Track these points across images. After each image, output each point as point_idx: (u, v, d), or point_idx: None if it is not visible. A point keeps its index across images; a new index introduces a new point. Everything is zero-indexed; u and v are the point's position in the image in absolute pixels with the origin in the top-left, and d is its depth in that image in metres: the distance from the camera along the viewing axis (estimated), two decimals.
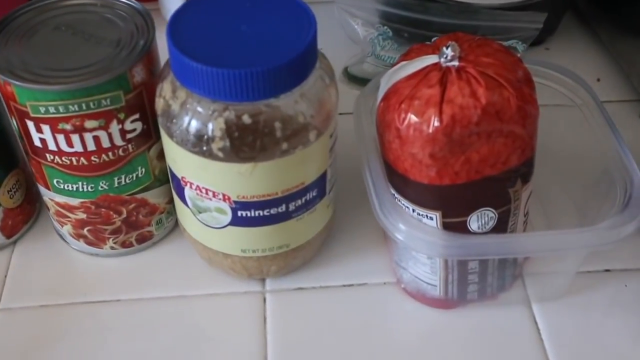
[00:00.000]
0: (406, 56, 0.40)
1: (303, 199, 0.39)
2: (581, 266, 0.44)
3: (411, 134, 0.37)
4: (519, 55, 0.56)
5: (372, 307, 0.44)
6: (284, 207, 0.39)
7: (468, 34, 0.40)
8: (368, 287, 0.45)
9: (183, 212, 0.42)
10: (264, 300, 0.44)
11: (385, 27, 0.58)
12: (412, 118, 0.36)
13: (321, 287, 0.45)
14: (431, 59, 0.38)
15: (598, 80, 0.60)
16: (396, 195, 0.40)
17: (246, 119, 0.35)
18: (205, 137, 0.36)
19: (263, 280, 0.45)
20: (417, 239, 0.37)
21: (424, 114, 0.36)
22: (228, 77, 0.34)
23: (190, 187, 0.39)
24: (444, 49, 0.37)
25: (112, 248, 0.45)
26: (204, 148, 0.36)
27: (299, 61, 0.35)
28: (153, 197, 0.44)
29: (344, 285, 0.45)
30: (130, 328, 0.43)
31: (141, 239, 0.45)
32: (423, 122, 0.36)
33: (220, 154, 0.36)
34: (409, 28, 0.58)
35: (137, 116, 0.39)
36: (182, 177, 0.39)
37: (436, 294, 0.43)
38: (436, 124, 0.36)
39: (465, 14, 0.57)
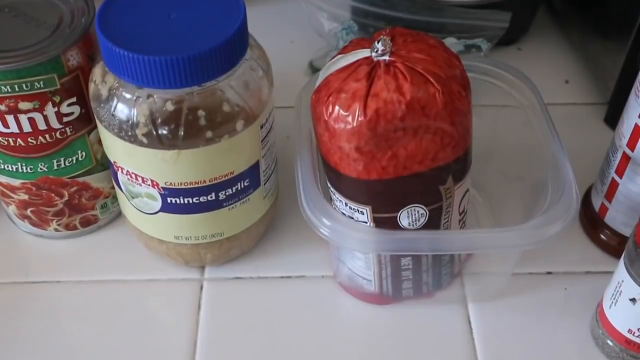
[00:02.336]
0: (344, 49, 0.40)
1: (233, 189, 0.40)
2: (517, 267, 0.44)
3: (338, 127, 0.37)
4: (482, 54, 0.57)
5: (308, 300, 0.44)
6: (213, 195, 0.39)
7: (407, 28, 0.40)
8: (306, 279, 0.45)
9: (121, 197, 0.42)
10: (201, 287, 0.44)
11: (351, 22, 0.58)
12: (339, 111, 0.36)
13: (259, 278, 0.45)
14: (364, 53, 0.38)
15: (566, 82, 0.59)
16: (331, 189, 0.40)
17: (169, 106, 0.35)
18: (130, 122, 0.36)
19: (203, 269, 0.45)
20: (341, 233, 0.37)
21: (350, 107, 0.36)
22: (150, 63, 0.34)
23: (122, 171, 0.39)
24: (376, 43, 0.37)
25: (56, 230, 0.45)
26: (129, 133, 0.36)
27: (224, 49, 0.35)
28: (96, 181, 0.44)
29: (282, 277, 0.45)
30: (67, 310, 0.43)
31: (85, 222, 0.46)
32: (348, 115, 0.36)
33: (145, 140, 0.36)
34: (377, 23, 0.58)
35: (74, 100, 0.40)
36: (114, 162, 0.39)
37: (372, 289, 0.43)
38: (360, 117, 0.36)
39: (431, 11, 0.56)
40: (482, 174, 0.49)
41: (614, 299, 0.38)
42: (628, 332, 0.38)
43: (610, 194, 0.44)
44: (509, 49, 0.62)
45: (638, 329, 0.37)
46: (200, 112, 0.36)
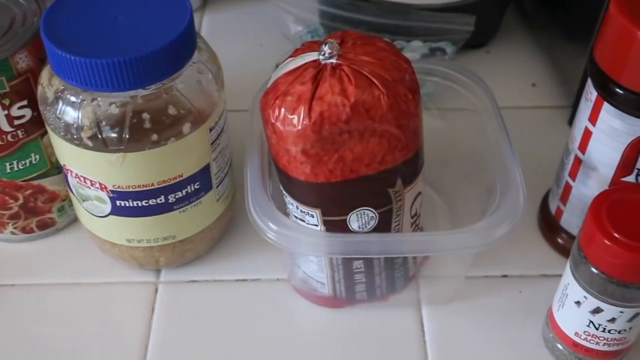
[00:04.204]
0: (294, 52, 0.40)
1: (183, 191, 0.40)
2: (473, 270, 0.44)
3: (284, 130, 0.37)
4: (446, 57, 0.57)
5: (263, 303, 0.44)
6: (162, 198, 0.39)
7: (357, 31, 0.40)
8: (261, 282, 0.45)
9: (74, 200, 0.42)
10: (156, 290, 0.44)
11: (318, 25, 0.58)
12: (284, 114, 0.36)
13: (214, 281, 0.45)
14: (312, 56, 0.38)
15: (533, 85, 0.59)
16: (283, 191, 0.40)
17: (114, 109, 0.35)
18: (75, 125, 0.36)
19: (158, 272, 0.45)
20: (287, 237, 0.37)
21: (295, 110, 0.36)
22: (93, 66, 0.34)
23: (71, 174, 0.39)
24: (323, 46, 0.37)
25: (12, 233, 0.45)
26: (75, 136, 0.36)
27: (168, 52, 0.35)
28: (52, 184, 0.44)
29: (238, 280, 0.45)
30: (22, 313, 0.43)
31: (42, 225, 0.46)
32: (294, 118, 0.36)
33: (90, 143, 0.36)
34: (344, 27, 0.58)
35: (24, 103, 0.40)
36: (64, 165, 0.39)
37: (325, 292, 0.43)
38: (305, 120, 0.36)
39: (397, 14, 0.56)
40: (442, 176, 0.49)
41: (561, 302, 0.38)
42: (575, 334, 0.38)
43: (564, 197, 0.44)
44: (478, 52, 0.62)
45: (584, 332, 0.37)
46: (145, 115, 0.36)
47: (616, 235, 0.33)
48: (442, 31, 0.56)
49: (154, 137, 0.36)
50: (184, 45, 0.36)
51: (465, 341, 0.42)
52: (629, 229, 0.34)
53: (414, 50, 0.56)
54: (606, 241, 0.33)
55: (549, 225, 0.46)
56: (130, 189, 0.38)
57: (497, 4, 0.60)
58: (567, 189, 0.43)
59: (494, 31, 0.62)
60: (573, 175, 0.42)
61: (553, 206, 0.45)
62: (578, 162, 0.41)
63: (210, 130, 0.39)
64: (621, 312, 0.35)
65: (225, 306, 0.44)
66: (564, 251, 0.45)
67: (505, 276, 0.45)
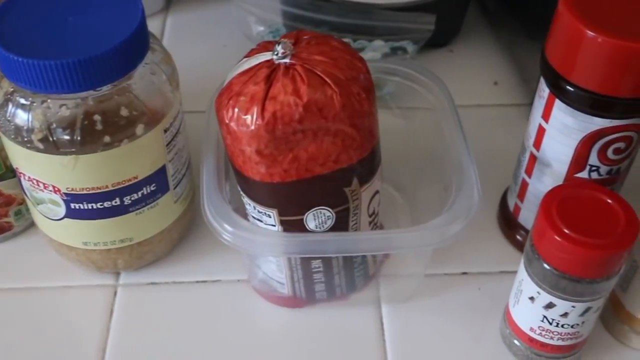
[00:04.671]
0: (249, 53, 0.40)
1: (139, 193, 0.39)
2: (433, 268, 0.45)
3: (238, 130, 0.37)
4: (408, 56, 0.57)
5: (223, 305, 0.44)
6: (118, 200, 0.39)
7: (312, 31, 0.40)
8: (221, 284, 0.45)
9: (30, 204, 0.42)
10: (115, 293, 0.44)
11: (280, 25, 0.58)
12: (238, 114, 0.36)
13: (174, 283, 0.45)
14: (266, 56, 0.38)
15: (495, 83, 0.60)
16: (241, 192, 0.40)
17: (64, 111, 0.35)
18: (26, 128, 0.36)
19: (118, 274, 0.45)
20: (242, 239, 0.37)
21: (248, 110, 0.36)
22: (42, 68, 0.34)
23: (24, 177, 0.39)
24: (276, 46, 0.37)
25: None
26: (26, 139, 0.36)
27: (118, 53, 0.35)
28: (7, 187, 0.44)
29: (198, 282, 0.45)
30: None
31: None
32: (247, 118, 0.36)
33: (41, 146, 0.36)
34: (306, 26, 0.58)
35: None
36: (17, 168, 0.39)
37: (285, 292, 0.43)
38: (258, 120, 0.36)
39: (359, 14, 0.57)
40: (403, 175, 0.49)
41: (516, 298, 0.38)
42: (530, 330, 0.38)
43: (522, 194, 0.44)
44: (441, 51, 0.63)
45: (539, 327, 0.38)
46: (97, 117, 0.35)
47: (566, 231, 0.34)
48: (404, 30, 0.56)
49: (107, 138, 0.36)
50: (135, 46, 0.36)
51: (425, 339, 0.42)
52: (580, 225, 0.34)
53: (375, 49, 0.56)
54: (557, 237, 0.34)
55: (507, 222, 0.46)
56: (84, 192, 0.38)
57: (457, 3, 0.60)
58: (524, 185, 0.43)
59: (456, 30, 0.63)
60: (529, 172, 0.43)
61: (511, 203, 0.46)
62: (533, 159, 0.42)
63: (165, 131, 0.39)
64: (573, 306, 0.36)
65: (185, 308, 0.43)
66: (523, 248, 0.45)
67: (464, 273, 0.45)
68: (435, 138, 0.45)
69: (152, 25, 0.66)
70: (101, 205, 0.39)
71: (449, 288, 0.45)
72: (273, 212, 0.39)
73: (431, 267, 0.45)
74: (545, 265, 0.35)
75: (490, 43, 0.63)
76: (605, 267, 0.34)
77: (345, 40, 0.58)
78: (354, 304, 0.44)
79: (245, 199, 0.40)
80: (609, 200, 0.35)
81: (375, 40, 0.57)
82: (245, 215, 0.41)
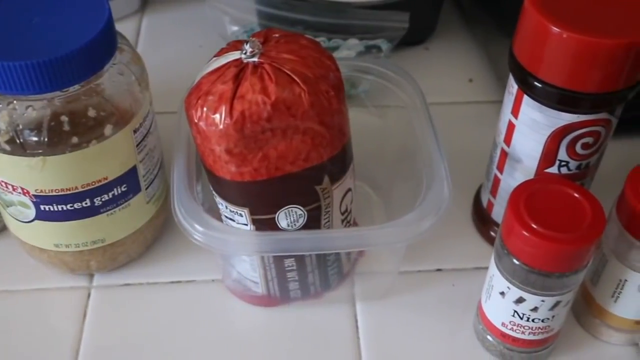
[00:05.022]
0: (219, 52, 0.40)
1: (110, 194, 0.39)
2: (407, 265, 0.45)
3: (207, 129, 0.36)
4: (382, 54, 0.57)
5: (197, 305, 0.44)
6: (88, 201, 0.39)
7: (287, 30, 0.40)
8: (196, 284, 0.45)
9: (0, 207, 0.42)
10: (89, 295, 0.44)
11: (255, 25, 0.58)
12: (207, 114, 0.36)
13: (148, 284, 0.44)
14: (235, 55, 0.38)
15: (470, 80, 0.60)
16: (213, 191, 0.40)
17: (31, 112, 0.35)
18: None
19: (91, 276, 0.45)
20: (213, 238, 0.37)
21: (217, 109, 0.36)
22: (6, 69, 0.33)
23: None
24: (245, 45, 0.37)
25: None
26: None
27: (84, 54, 0.35)
28: None
29: (172, 282, 0.45)
30: None
31: None
32: (215, 117, 0.36)
33: (8, 147, 0.36)
34: (281, 26, 0.58)
35: None
36: None
37: (259, 291, 0.43)
38: (227, 119, 0.36)
39: (333, 13, 0.57)
40: (378, 172, 0.49)
41: (488, 293, 0.39)
42: (502, 325, 0.38)
43: (494, 190, 0.44)
44: (416, 49, 0.63)
45: (510, 322, 0.38)
46: (64, 118, 0.35)
47: (534, 226, 0.34)
48: (378, 29, 0.57)
49: (74, 139, 0.36)
50: (102, 46, 0.36)
51: (399, 336, 0.42)
52: (547, 220, 0.34)
53: (350, 48, 0.56)
54: (524, 232, 0.34)
55: (481, 218, 0.47)
56: (54, 193, 0.38)
57: (432, 0, 0.60)
58: (496, 181, 0.44)
59: (431, 28, 0.63)
60: (500, 168, 0.43)
61: (484, 199, 0.46)
62: (504, 155, 0.42)
63: (135, 131, 0.39)
64: (542, 300, 0.36)
65: (159, 309, 0.43)
66: None
67: (439, 270, 0.46)
68: (408, 136, 0.45)
69: (128, 26, 0.66)
70: (71, 206, 0.38)
71: (424, 285, 0.45)
72: (244, 211, 0.39)
73: (405, 264, 0.45)
74: (515, 261, 0.35)
75: (466, 40, 0.63)
76: (573, 261, 0.34)
77: (320, 39, 0.58)
78: (329, 302, 0.44)
79: (217, 199, 0.40)
80: (576, 195, 0.35)
81: (350, 38, 0.57)
82: (219, 215, 0.41)
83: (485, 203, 0.46)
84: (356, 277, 0.45)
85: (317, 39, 0.58)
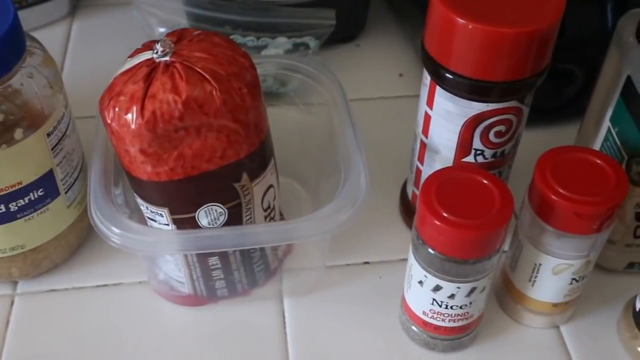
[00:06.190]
0: (134, 52, 0.40)
1: (25, 199, 0.39)
2: (335, 259, 0.45)
3: (120, 130, 0.36)
4: (310, 52, 0.57)
5: (125, 308, 0.43)
6: (3, 207, 0.38)
7: (214, 30, 0.40)
8: (123, 287, 0.44)
9: None
10: (12, 303, 0.43)
11: (181, 26, 0.57)
12: (119, 114, 0.36)
13: (74, 289, 0.44)
14: (148, 55, 0.38)
15: (400, 75, 0.61)
16: (134, 193, 0.40)
17: None
18: None
19: (15, 283, 0.44)
20: (131, 240, 0.37)
21: (128, 110, 0.36)
22: None
23: None
24: (156, 44, 0.37)
25: None
26: None
27: None
28: None
29: (98, 286, 0.44)
30: None
31: None
32: (127, 118, 0.36)
33: None
34: (210, 27, 0.58)
35: None
36: None
37: (186, 291, 0.43)
38: (139, 119, 0.35)
39: (260, 12, 0.57)
40: (306, 169, 0.50)
41: (408, 283, 0.39)
42: (423, 314, 0.39)
43: (417, 182, 0.45)
44: (348, 46, 0.63)
45: (430, 310, 0.38)
46: None
47: (445, 214, 0.34)
48: (305, 26, 0.57)
49: None
50: (7, 49, 0.35)
51: (326, 330, 0.42)
52: (457, 208, 0.35)
53: (278, 46, 0.56)
54: (436, 221, 0.34)
55: (407, 210, 0.47)
56: None
57: None
58: (418, 173, 0.44)
59: (361, 24, 0.64)
60: (421, 159, 0.43)
61: (410, 191, 0.47)
62: (424, 146, 0.43)
63: (49, 135, 0.38)
64: (458, 287, 0.36)
65: (87, 314, 0.43)
66: None
67: (366, 263, 0.46)
68: (331, 132, 0.46)
69: (58, 31, 0.66)
70: None
71: (351, 278, 0.45)
72: (164, 211, 0.39)
73: (333, 258, 0.46)
74: (430, 250, 0.36)
75: (396, 36, 0.64)
76: (484, 246, 0.35)
77: (249, 38, 0.58)
78: (257, 299, 0.44)
79: (138, 200, 0.40)
80: (485, 182, 0.36)
81: (278, 37, 0.57)
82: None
83: (410, 195, 0.47)
84: (284, 274, 0.45)
85: (246, 38, 0.58)
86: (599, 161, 0.37)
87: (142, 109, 0.36)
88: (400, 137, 0.53)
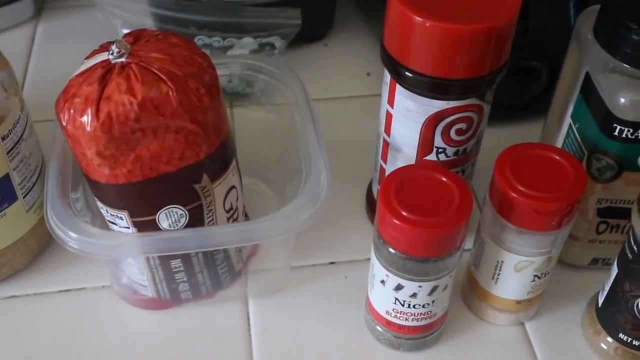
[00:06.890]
0: (91, 54, 0.39)
1: None
2: (301, 259, 0.45)
3: (75, 132, 0.36)
4: (276, 51, 0.57)
5: (88, 313, 0.43)
6: None
7: (179, 31, 0.40)
8: (85, 291, 0.44)
9: None
10: None
11: (146, 28, 0.57)
12: (74, 117, 0.35)
13: (36, 295, 0.43)
14: (103, 56, 0.37)
15: (368, 74, 0.60)
16: (94, 196, 0.39)
17: None
18: None
19: None
20: (89, 244, 0.36)
21: (84, 112, 0.35)
22: None
23: None
24: (111, 45, 0.36)
25: None
26: None
27: None
28: None
29: (61, 291, 0.44)
30: None
31: None
32: (83, 120, 0.35)
33: None
34: (176, 28, 0.57)
35: None
36: None
37: (149, 295, 0.43)
38: (94, 122, 0.35)
39: (225, 12, 0.56)
40: (272, 169, 0.49)
41: (371, 282, 0.39)
42: (386, 313, 0.39)
43: (381, 181, 0.45)
44: (316, 45, 0.63)
45: (393, 309, 0.38)
46: None
47: (404, 213, 0.34)
48: (272, 26, 0.57)
49: None
50: None
51: (290, 331, 0.42)
52: (417, 206, 0.34)
53: (243, 47, 0.56)
54: (396, 221, 0.34)
55: (373, 209, 0.47)
56: None
57: None
58: (382, 172, 0.44)
59: (328, 24, 0.63)
60: (384, 158, 0.43)
61: (375, 190, 0.46)
62: (386, 145, 0.42)
63: (4, 138, 0.38)
64: (420, 286, 0.36)
65: (49, 319, 0.42)
66: None
67: (332, 263, 0.46)
68: (294, 132, 0.45)
69: (23, 33, 0.65)
70: None
71: (317, 279, 0.45)
72: (124, 214, 0.38)
73: (299, 259, 0.45)
74: (390, 249, 0.36)
75: (364, 35, 0.64)
76: (444, 244, 0.35)
77: (215, 38, 0.58)
78: (222, 302, 0.43)
79: (98, 203, 0.39)
80: (444, 179, 0.36)
81: (244, 37, 0.57)
82: None
83: (375, 194, 0.46)
84: (249, 275, 0.45)
85: (212, 39, 0.58)
86: (558, 158, 0.37)
87: (97, 111, 0.35)
88: (367, 136, 0.53)
